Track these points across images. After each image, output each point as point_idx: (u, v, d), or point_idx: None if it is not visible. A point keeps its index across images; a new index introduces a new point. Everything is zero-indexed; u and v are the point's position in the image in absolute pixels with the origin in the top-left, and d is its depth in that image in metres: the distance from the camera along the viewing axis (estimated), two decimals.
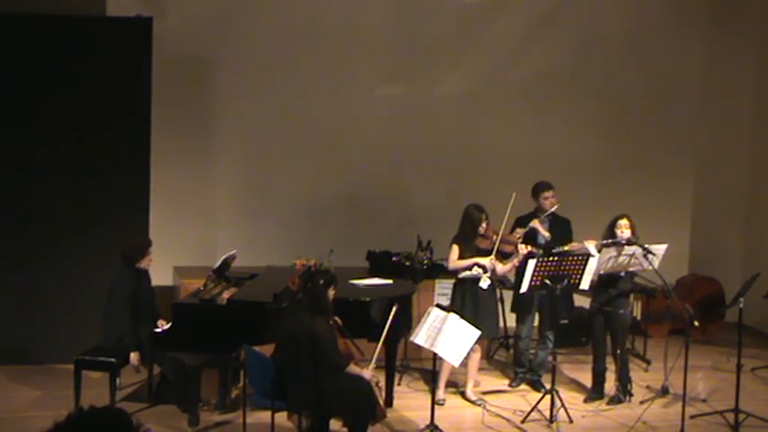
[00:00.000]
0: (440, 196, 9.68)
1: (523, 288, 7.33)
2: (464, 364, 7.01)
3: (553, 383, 7.23)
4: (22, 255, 8.23)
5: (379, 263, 8.64)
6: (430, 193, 9.86)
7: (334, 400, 6.17)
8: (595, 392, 7.82)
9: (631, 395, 7.76)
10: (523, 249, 7.51)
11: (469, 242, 7.55)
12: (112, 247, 7.46)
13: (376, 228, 9.63)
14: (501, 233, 7.54)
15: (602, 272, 7.45)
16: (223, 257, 7.53)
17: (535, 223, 7.92)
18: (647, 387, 8.10)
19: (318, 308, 6.19)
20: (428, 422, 6.76)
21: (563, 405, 7.22)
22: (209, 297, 7.04)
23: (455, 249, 7.56)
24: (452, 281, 7.77)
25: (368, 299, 7.28)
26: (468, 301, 7.51)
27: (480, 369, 8.12)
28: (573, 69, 10.19)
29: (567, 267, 7.26)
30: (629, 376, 7.81)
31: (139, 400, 7.39)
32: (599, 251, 7.35)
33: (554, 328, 7.78)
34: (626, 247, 7.37)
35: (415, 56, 9.84)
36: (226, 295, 7.08)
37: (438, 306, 6.91)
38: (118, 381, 7.17)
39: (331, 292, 6.33)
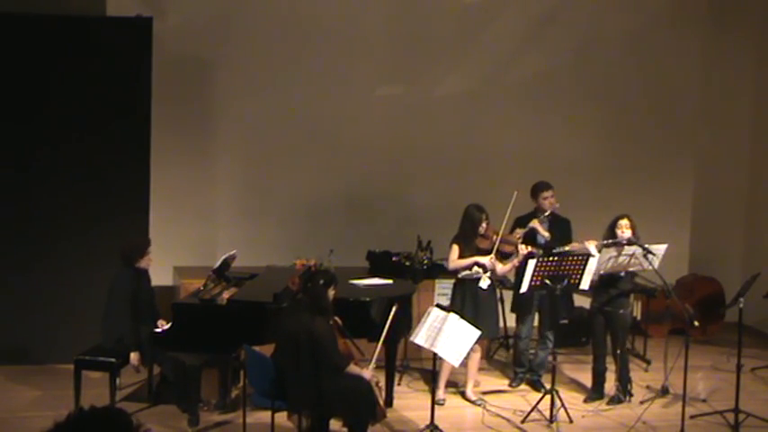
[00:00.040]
0: (440, 196, 9.68)
1: (523, 288, 7.33)
2: (464, 364, 7.02)
3: (553, 383, 7.23)
4: (23, 255, 8.23)
5: (379, 263, 8.64)
6: (430, 193, 9.85)
7: (334, 400, 6.17)
8: (595, 392, 7.82)
9: (631, 395, 7.76)
10: (524, 250, 7.51)
11: (469, 242, 7.55)
12: (112, 247, 7.45)
13: (376, 228, 9.62)
14: (501, 233, 7.54)
15: (602, 272, 7.45)
16: (223, 257, 7.53)
17: (535, 223, 7.92)
18: (647, 387, 8.10)
19: (318, 308, 6.19)
20: (428, 422, 6.76)
21: (563, 405, 7.22)
22: (209, 297, 7.04)
23: (455, 249, 7.56)
24: (452, 281, 7.77)
25: (368, 299, 7.28)
26: (469, 301, 7.51)
27: (480, 369, 8.12)
28: (573, 69, 10.19)
29: (567, 267, 7.26)
30: (629, 376, 7.81)
31: (139, 400, 7.39)
32: (599, 251, 7.35)
33: (554, 328, 7.78)
34: (626, 247, 7.37)
35: (415, 56, 9.84)
36: (226, 295, 7.08)
37: (438, 306, 6.91)
38: (118, 381, 7.17)
39: (331, 292, 6.33)
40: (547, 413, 7.18)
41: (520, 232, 7.76)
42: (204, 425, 6.95)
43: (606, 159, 10.34)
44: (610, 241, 7.44)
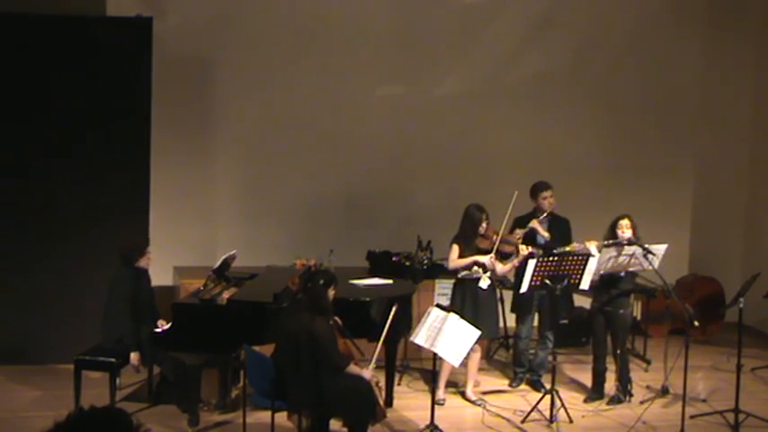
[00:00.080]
0: (440, 196, 9.68)
1: (523, 288, 7.33)
2: (464, 364, 7.01)
3: (553, 383, 7.23)
4: (23, 255, 8.23)
5: (379, 263, 8.64)
6: (430, 192, 9.86)
7: (334, 400, 6.16)
8: (595, 392, 7.82)
9: (631, 395, 7.76)
10: (524, 250, 7.51)
11: (470, 242, 7.55)
12: (112, 247, 7.44)
13: (376, 228, 9.62)
14: (501, 233, 7.54)
15: (602, 272, 7.45)
16: (223, 257, 7.53)
17: (534, 223, 7.92)
18: (647, 387, 8.10)
19: (318, 308, 6.19)
20: (428, 422, 6.76)
21: (563, 405, 7.22)
22: (209, 297, 7.04)
23: (455, 249, 7.56)
24: (452, 281, 7.77)
25: (368, 299, 7.28)
26: (468, 301, 7.51)
27: (480, 369, 8.12)
28: (573, 69, 10.19)
29: (567, 267, 7.26)
30: (630, 376, 7.81)
31: (139, 400, 7.39)
32: (599, 251, 7.35)
33: (554, 328, 7.78)
34: (626, 247, 7.37)
35: (415, 56, 9.84)
36: (226, 295, 7.08)
37: (438, 306, 6.91)
38: (118, 381, 7.17)
39: (331, 292, 6.33)
40: (547, 413, 7.18)
41: (520, 232, 7.76)
42: (204, 425, 6.95)
43: (606, 159, 10.35)
44: (610, 242, 7.44)
